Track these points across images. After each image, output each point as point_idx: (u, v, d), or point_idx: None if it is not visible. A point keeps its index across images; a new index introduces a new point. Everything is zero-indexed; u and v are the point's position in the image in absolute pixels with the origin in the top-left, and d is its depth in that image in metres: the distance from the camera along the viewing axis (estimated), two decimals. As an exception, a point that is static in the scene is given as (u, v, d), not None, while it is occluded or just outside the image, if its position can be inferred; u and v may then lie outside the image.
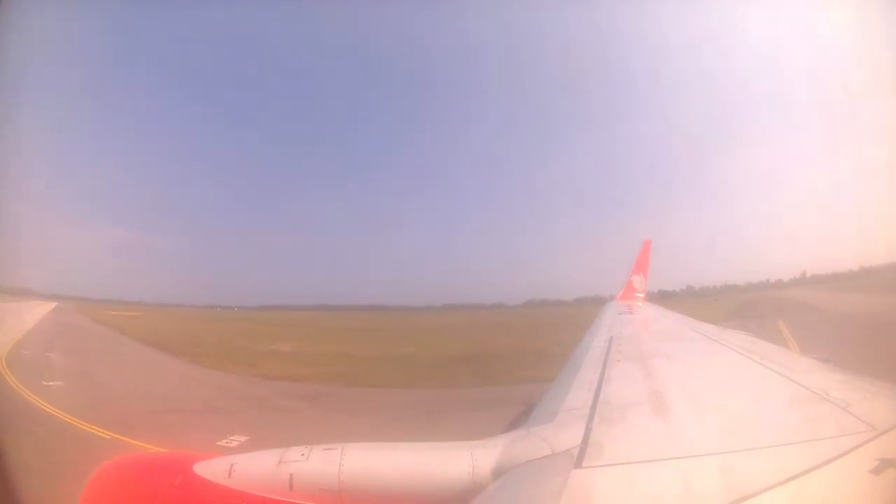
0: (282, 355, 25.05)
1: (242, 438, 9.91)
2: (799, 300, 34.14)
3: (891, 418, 2.89)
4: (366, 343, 31.47)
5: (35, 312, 33.24)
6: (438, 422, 11.49)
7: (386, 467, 3.23)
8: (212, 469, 3.29)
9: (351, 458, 3.22)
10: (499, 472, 3.05)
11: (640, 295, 14.97)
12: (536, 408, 4.21)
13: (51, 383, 14.72)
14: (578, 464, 2.73)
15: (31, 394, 13.09)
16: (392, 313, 52.54)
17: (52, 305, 38.85)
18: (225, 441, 9.76)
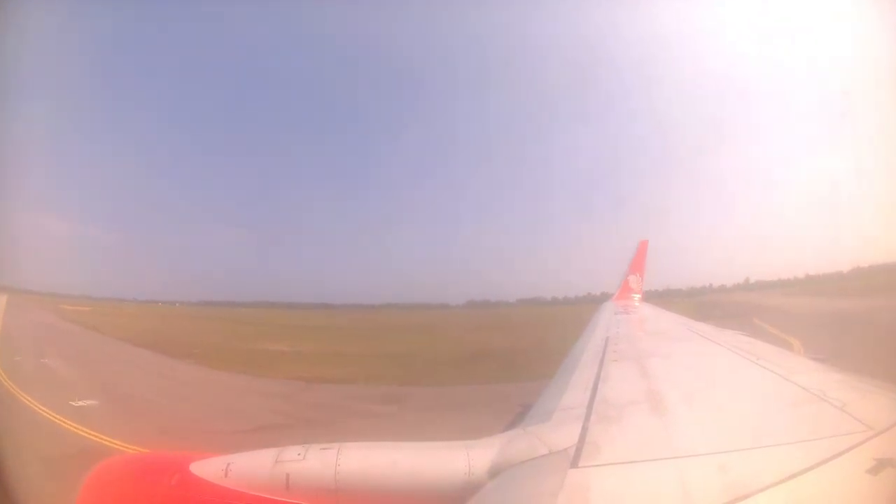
0: (287, 355, 24.64)
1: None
2: (756, 304, 34.35)
3: (888, 418, 2.89)
4: (353, 341, 31.25)
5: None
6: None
7: (382, 467, 3.22)
8: (208, 469, 3.27)
9: (347, 457, 3.21)
10: (495, 472, 3.05)
11: (637, 295, 15.03)
12: (533, 407, 4.21)
13: (81, 403, 12.58)
14: (575, 463, 2.72)
15: (64, 419, 11.09)
16: (340, 311, 52.67)
17: (3, 298, 36.21)
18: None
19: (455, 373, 18.63)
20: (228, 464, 3.27)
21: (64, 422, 10.96)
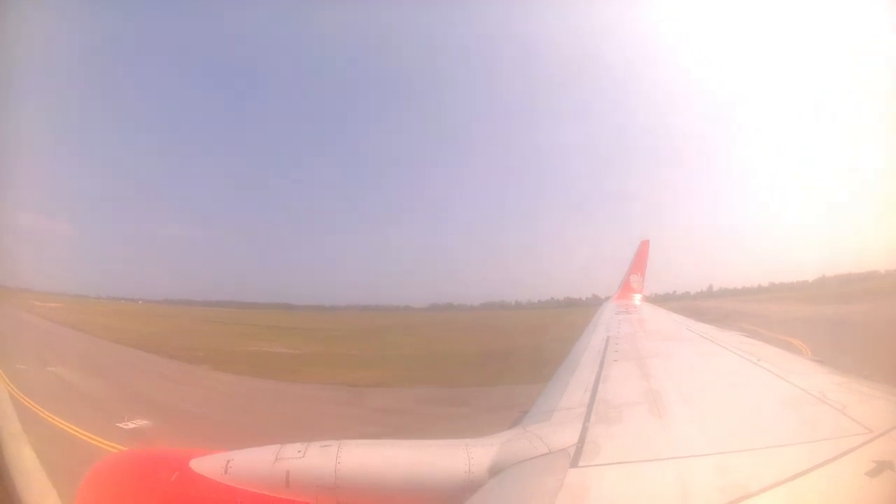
0: (296, 358, 23.98)
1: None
2: (731, 310, 34.04)
3: (887, 420, 2.90)
4: (346, 343, 30.50)
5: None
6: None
7: (382, 464, 3.23)
8: (208, 465, 3.27)
9: (347, 454, 3.21)
10: (495, 471, 3.05)
11: (638, 295, 15.03)
12: (533, 407, 4.21)
13: (133, 425, 10.82)
14: (575, 463, 2.73)
15: (119, 446, 9.44)
16: (302, 312, 51.50)
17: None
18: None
19: (479, 373, 18.28)
20: (228, 460, 3.27)
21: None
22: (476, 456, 3.17)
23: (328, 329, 38.22)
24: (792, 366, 4.74)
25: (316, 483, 3.12)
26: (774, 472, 2.34)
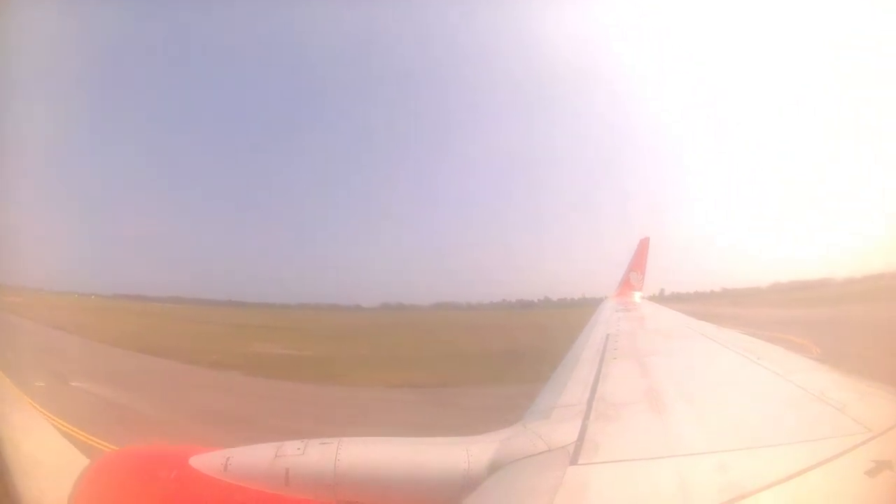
0: (308, 359, 22.83)
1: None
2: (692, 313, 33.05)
3: (887, 420, 2.89)
4: (339, 342, 29.62)
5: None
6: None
7: (381, 462, 3.24)
8: (208, 463, 3.28)
9: (347, 452, 3.22)
10: (494, 468, 3.05)
11: (638, 292, 15.06)
12: (532, 404, 4.22)
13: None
14: (574, 460, 2.73)
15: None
16: (254, 309, 48.61)
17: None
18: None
19: (518, 371, 17.71)
20: (228, 458, 3.28)
21: None
22: (475, 453, 3.18)
23: (308, 328, 36.61)
24: (792, 364, 4.73)
25: (315, 480, 3.13)
26: (773, 471, 2.33)
